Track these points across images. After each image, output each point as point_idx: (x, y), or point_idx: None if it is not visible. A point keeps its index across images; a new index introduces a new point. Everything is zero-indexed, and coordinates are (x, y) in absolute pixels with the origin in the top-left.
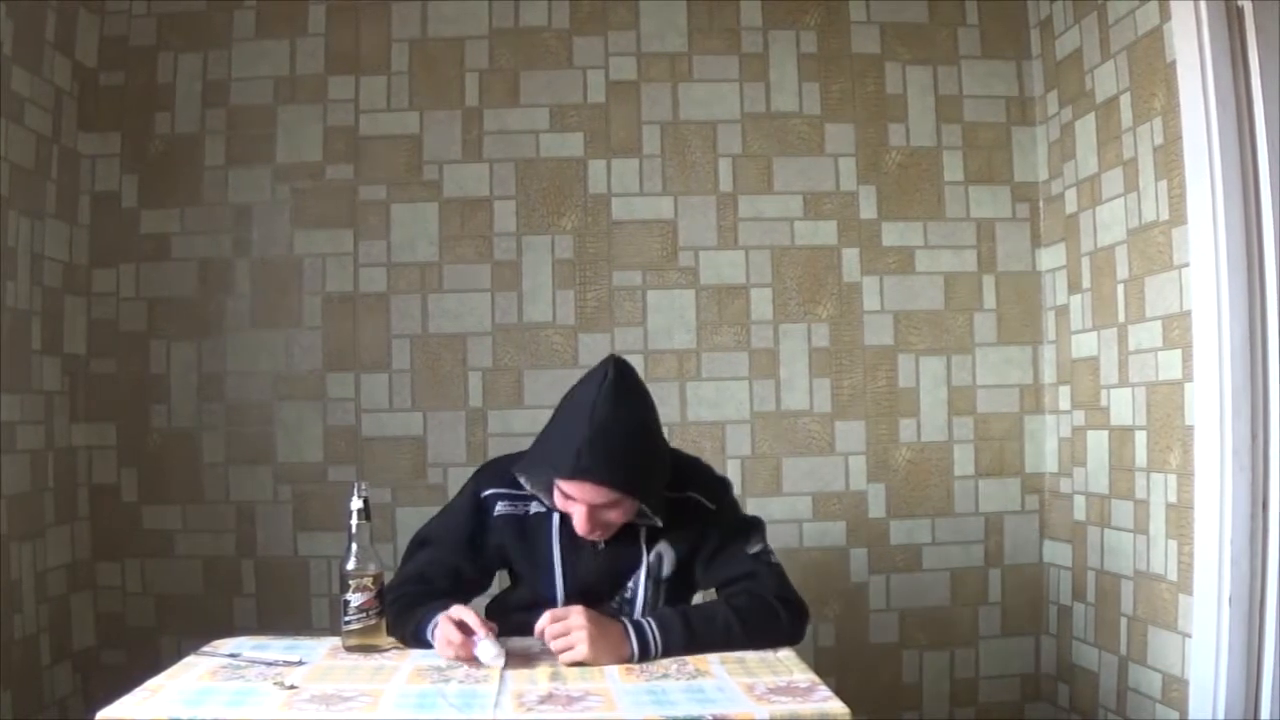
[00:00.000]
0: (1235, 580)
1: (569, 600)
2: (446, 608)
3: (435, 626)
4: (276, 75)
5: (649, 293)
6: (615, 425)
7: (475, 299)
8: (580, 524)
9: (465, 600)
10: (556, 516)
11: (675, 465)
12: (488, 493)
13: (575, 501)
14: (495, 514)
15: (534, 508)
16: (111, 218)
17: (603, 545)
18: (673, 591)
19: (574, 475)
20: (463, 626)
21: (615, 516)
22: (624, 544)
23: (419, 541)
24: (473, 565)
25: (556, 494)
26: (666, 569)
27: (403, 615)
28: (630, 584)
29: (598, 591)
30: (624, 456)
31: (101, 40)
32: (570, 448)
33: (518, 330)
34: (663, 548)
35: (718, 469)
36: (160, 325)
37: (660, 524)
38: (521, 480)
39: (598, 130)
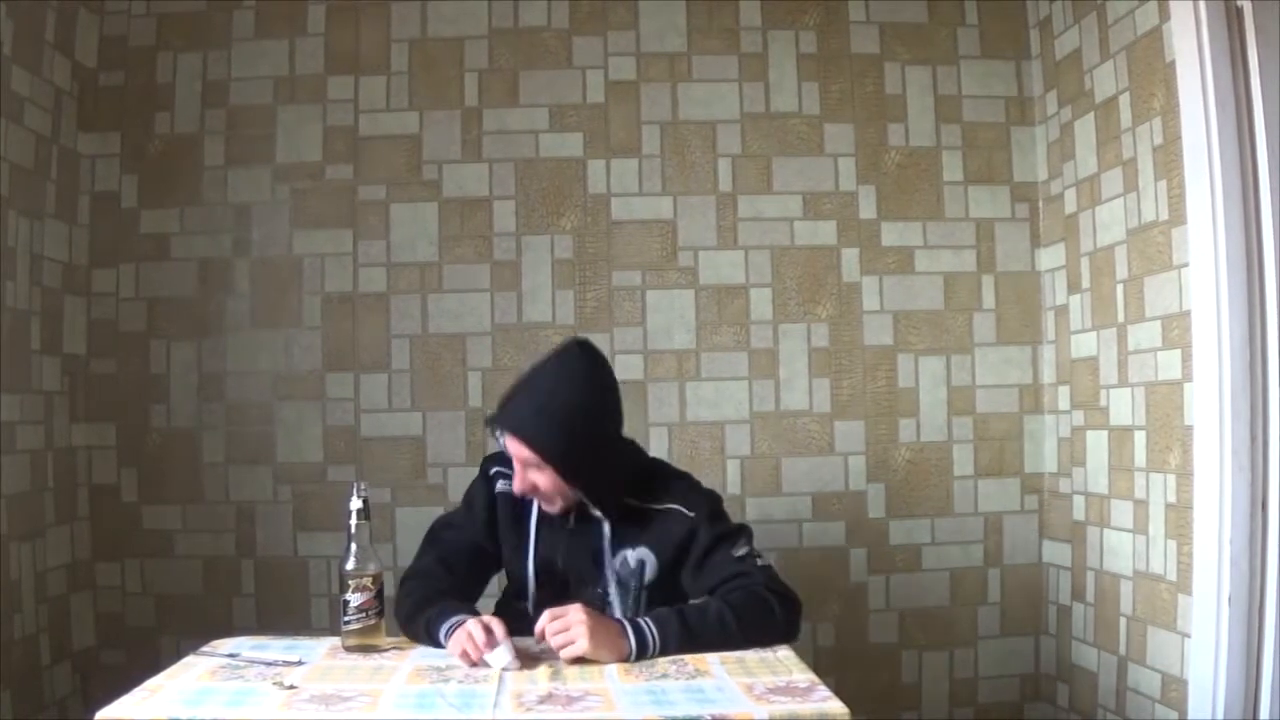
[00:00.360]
0: (1234, 580)
1: (539, 580)
2: (458, 610)
3: (451, 627)
4: (276, 75)
5: (648, 293)
6: (546, 389)
7: (475, 299)
8: (515, 479)
9: (484, 579)
10: None
11: (660, 478)
12: (494, 470)
13: (514, 457)
14: (497, 489)
15: None
16: (111, 218)
17: (570, 524)
18: (657, 600)
19: (498, 423)
20: (490, 633)
21: (541, 481)
22: (592, 532)
23: (444, 524)
24: (491, 541)
25: None
26: (649, 574)
27: (416, 611)
28: (600, 588)
29: (565, 577)
30: (544, 418)
31: (101, 40)
32: (505, 400)
33: (517, 330)
34: (643, 553)
35: (716, 470)
36: (160, 325)
37: (599, 514)
38: (496, 437)
39: (597, 130)
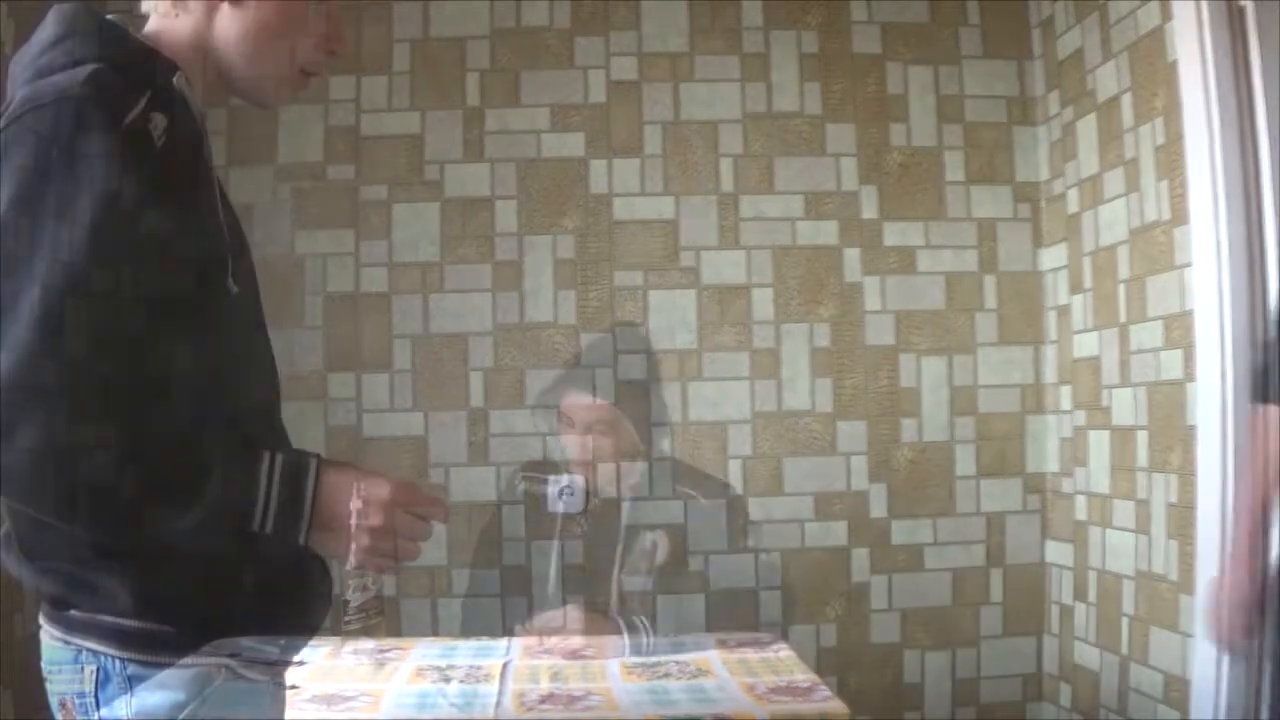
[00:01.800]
0: None
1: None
2: None
3: None
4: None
5: (650, 293)
6: None
7: (476, 299)
8: None
9: None
10: None
11: None
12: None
13: None
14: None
15: None
16: None
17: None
18: None
19: None
20: None
21: None
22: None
23: None
24: None
25: None
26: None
27: None
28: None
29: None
30: None
31: None
32: None
33: (519, 330)
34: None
35: (718, 471)
36: None
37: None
38: None
39: (599, 130)
